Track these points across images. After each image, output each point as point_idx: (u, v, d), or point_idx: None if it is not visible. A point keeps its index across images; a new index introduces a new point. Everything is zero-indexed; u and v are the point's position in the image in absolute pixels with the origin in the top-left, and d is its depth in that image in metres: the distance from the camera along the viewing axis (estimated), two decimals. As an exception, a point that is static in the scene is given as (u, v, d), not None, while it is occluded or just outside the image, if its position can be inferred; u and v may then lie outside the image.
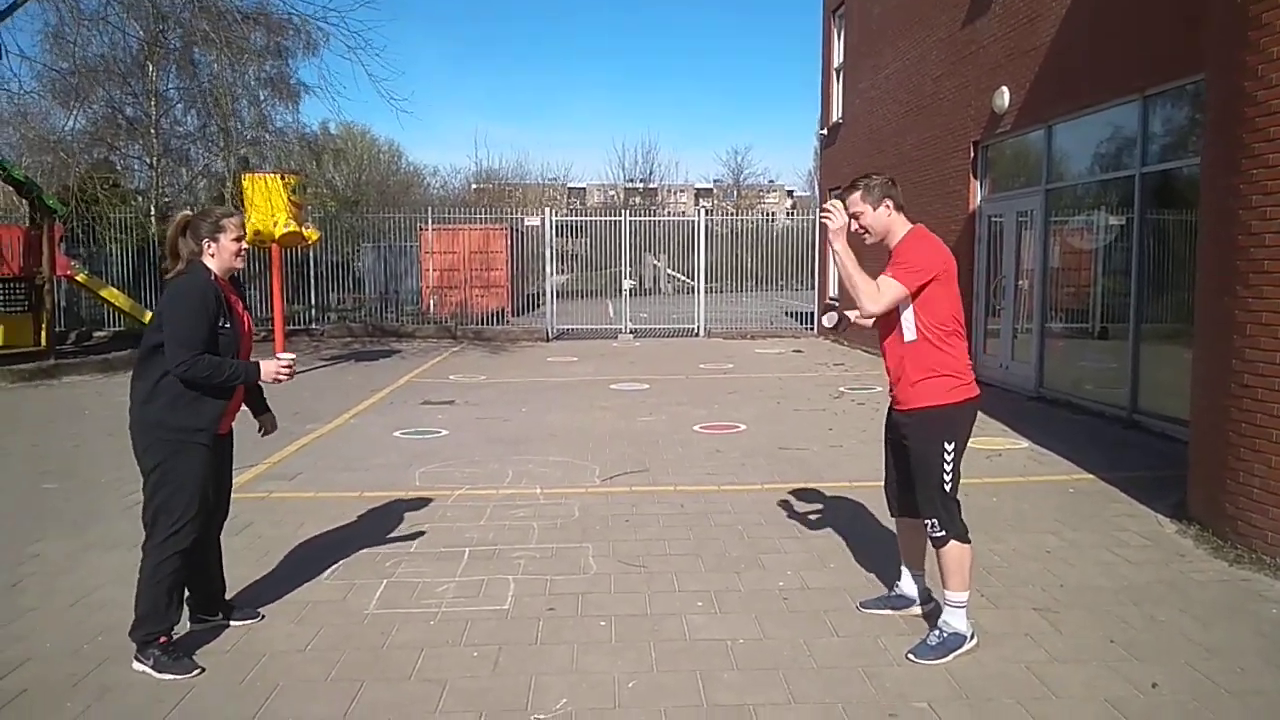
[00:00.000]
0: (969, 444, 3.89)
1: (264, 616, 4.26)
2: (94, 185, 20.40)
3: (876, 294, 3.70)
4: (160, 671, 3.65)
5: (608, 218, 22.99)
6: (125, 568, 4.88)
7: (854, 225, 3.92)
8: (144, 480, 3.75)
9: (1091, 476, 6.88)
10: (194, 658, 3.77)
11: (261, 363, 3.82)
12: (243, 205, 13.35)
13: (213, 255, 3.78)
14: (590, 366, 14.74)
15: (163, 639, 3.72)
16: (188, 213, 3.85)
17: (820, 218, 3.76)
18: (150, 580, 3.70)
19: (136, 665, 3.69)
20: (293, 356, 3.96)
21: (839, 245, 3.77)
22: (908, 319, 3.78)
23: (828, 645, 3.94)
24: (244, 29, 14.84)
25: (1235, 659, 3.77)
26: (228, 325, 3.74)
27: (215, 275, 3.78)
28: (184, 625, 3.97)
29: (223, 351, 3.73)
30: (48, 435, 8.80)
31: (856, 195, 3.89)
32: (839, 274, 3.78)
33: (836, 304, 4.46)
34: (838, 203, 3.82)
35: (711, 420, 9.46)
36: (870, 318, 3.87)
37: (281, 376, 3.86)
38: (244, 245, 3.88)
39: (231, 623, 4.15)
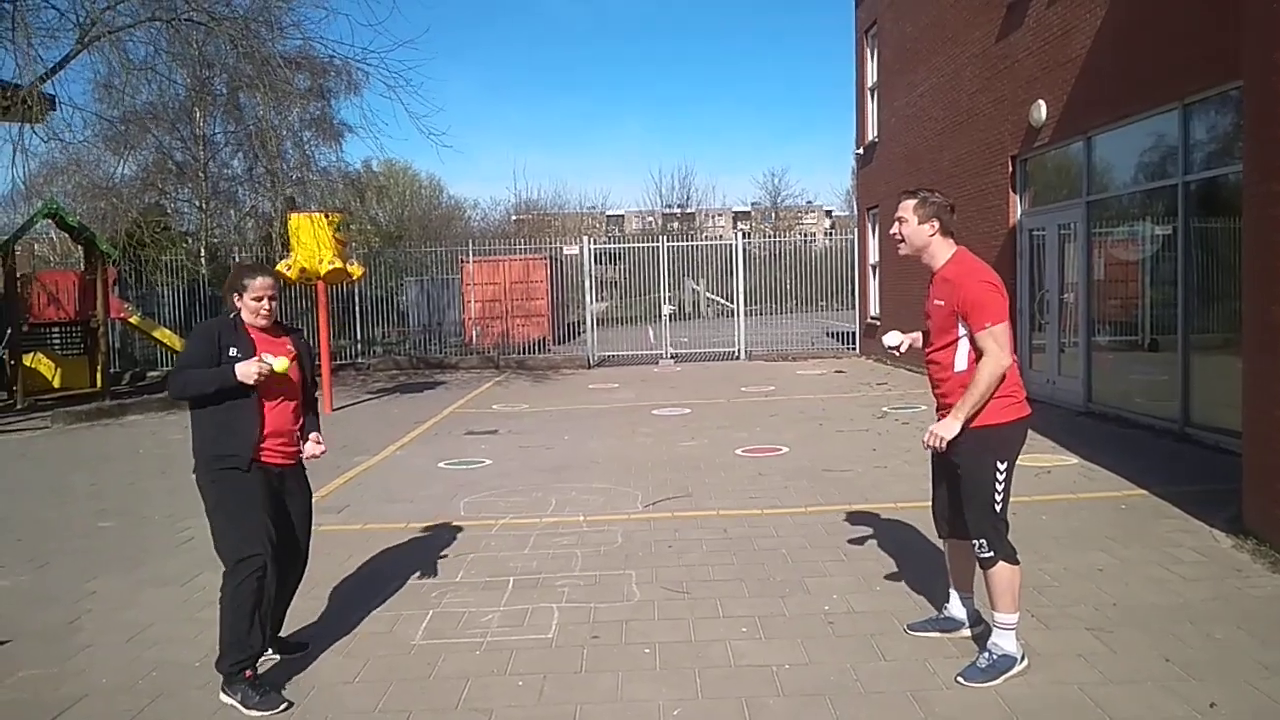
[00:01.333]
0: (1018, 462, 3.84)
1: (309, 646, 4.32)
2: (145, 229, 20.95)
3: (1001, 357, 3.63)
4: (248, 707, 3.70)
5: (646, 244, 23.11)
6: (178, 603, 5.01)
7: (894, 228, 3.97)
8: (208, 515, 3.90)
9: (1143, 492, 6.74)
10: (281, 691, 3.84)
11: (236, 365, 3.82)
12: (289, 244, 13.64)
13: (239, 302, 3.99)
14: (631, 392, 14.77)
15: (248, 673, 3.77)
16: (242, 263, 4.07)
17: (928, 442, 3.76)
18: (229, 609, 3.78)
19: (224, 698, 3.76)
20: (283, 366, 3.92)
21: (957, 425, 3.68)
22: (963, 351, 3.76)
23: (875, 670, 3.90)
24: (287, 72, 15.19)
25: (1298, 677, 3.66)
26: (237, 355, 3.85)
27: (244, 322, 3.96)
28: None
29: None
30: (104, 474, 9.01)
31: (910, 203, 3.90)
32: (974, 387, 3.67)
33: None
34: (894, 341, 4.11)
35: (753, 443, 9.43)
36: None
37: (250, 377, 3.79)
38: (266, 304, 3.98)
39: (279, 656, 4.22)
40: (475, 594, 5.03)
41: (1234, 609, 4.42)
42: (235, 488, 3.82)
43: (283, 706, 3.73)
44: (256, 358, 3.84)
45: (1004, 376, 3.65)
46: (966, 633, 4.16)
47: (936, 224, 3.85)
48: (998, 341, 3.63)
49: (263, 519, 3.85)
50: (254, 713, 3.69)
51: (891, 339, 4.26)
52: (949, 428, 3.67)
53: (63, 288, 15.47)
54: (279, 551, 3.93)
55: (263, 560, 3.81)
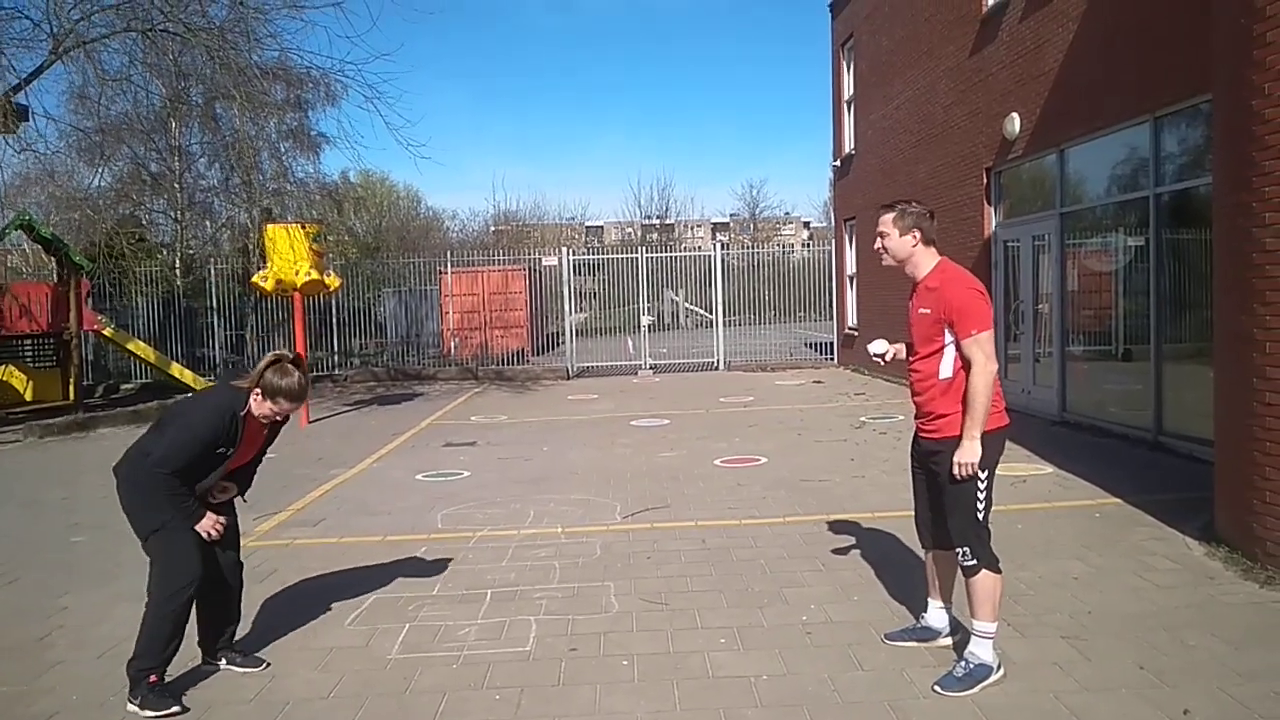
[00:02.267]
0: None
1: (266, 664, 4.28)
2: (120, 240, 20.76)
3: (990, 366, 3.66)
4: (147, 709, 3.74)
5: (625, 255, 23.13)
6: (151, 618, 4.94)
7: (876, 243, 3.99)
8: (141, 535, 3.92)
9: (1117, 500, 6.81)
10: (183, 699, 3.87)
11: (207, 515, 3.92)
12: (266, 255, 13.56)
13: (256, 400, 3.90)
14: (610, 403, 14.76)
15: (152, 678, 3.80)
16: (285, 355, 3.95)
17: (960, 474, 3.74)
18: (148, 620, 3.83)
19: (130, 706, 3.78)
20: (221, 522, 4.00)
21: (974, 450, 3.68)
22: (949, 359, 3.78)
23: (853, 680, 3.90)
24: (264, 83, 15.14)
25: (1270, 683, 3.69)
26: (227, 452, 3.88)
27: (248, 411, 3.90)
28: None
29: (206, 471, 3.88)
30: (76, 488, 8.89)
31: (889, 216, 3.93)
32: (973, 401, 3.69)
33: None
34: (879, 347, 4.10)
35: (732, 454, 9.44)
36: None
37: (211, 534, 3.93)
38: (279, 417, 3.98)
39: (223, 666, 4.20)
40: (452, 607, 5.00)
41: (1207, 616, 4.46)
42: (172, 532, 3.85)
43: (174, 709, 3.76)
44: (215, 521, 3.92)
45: (989, 385, 3.67)
46: (944, 642, 4.18)
47: (918, 234, 3.88)
48: (984, 349, 3.66)
49: (199, 550, 3.91)
50: (147, 712, 3.73)
51: (878, 346, 4.26)
52: (969, 451, 3.66)
53: (35, 299, 15.27)
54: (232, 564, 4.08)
55: (193, 586, 3.88)
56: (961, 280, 3.81)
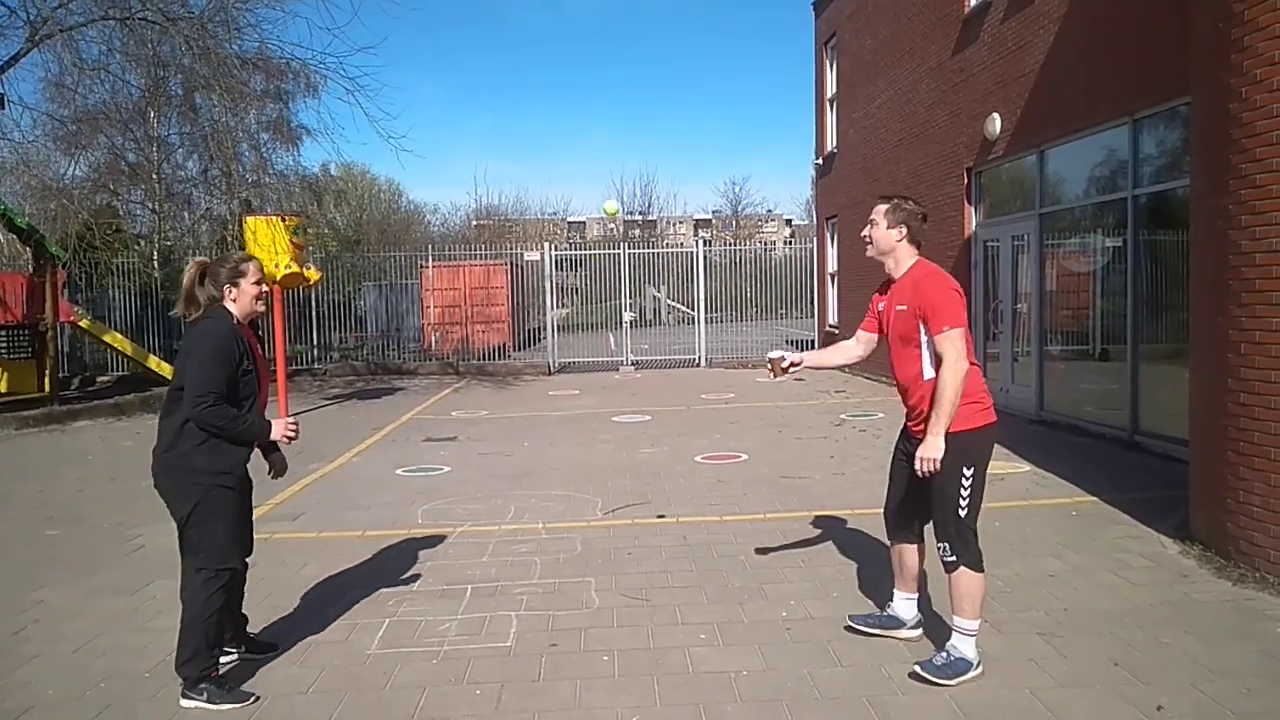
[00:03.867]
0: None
1: (279, 648, 4.30)
2: (96, 231, 20.56)
3: (961, 361, 3.66)
4: (216, 703, 3.70)
5: (607, 251, 23.12)
6: (128, 613, 4.92)
7: (865, 231, 4.03)
8: (179, 524, 3.81)
9: (1094, 499, 6.88)
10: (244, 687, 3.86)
11: (273, 421, 3.90)
12: (245, 247, 13.46)
13: (234, 300, 3.86)
14: (592, 399, 14.76)
15: (213, 673, 3.77)
16: (204, 259, 3.93)
17: (923, 470, 3.74)
18: (200, 616, 3.74)
19: (187, 702, 3.72)
20: (295, 422, 4.04)
21: (940, 442, 3.69)
22: (928, 358, 3.81)
23: (831, 675, 3.93)
24: (244, 74, 15.01)
25: (1241, 680, 3.75)
26: (251, 368, 3.82)
27: (237, 320, 3.86)
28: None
29: (244, 395, 3.81)
30: (52, 481, 8.81)
31: (883, 207, 3.98)
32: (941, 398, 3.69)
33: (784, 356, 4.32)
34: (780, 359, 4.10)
35: (713, 450, 9.46)
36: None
37: (289, 435, 3.94)
38: (264, 289, 3.95)
39: (250, 655, 4.18)
40: (433, 602, 4.99)
41: (1181, 613, 4.52)
42: (221, 500, 3.77)
43: (251, 700, 3.75)
44: (288, 419, 3.93)
45: (965, 379, 3.70)
46: (909, 634, 4.22)
47: (904, 230, 3.92)
48: (955, 346, 3.67)
49: (246, 531, 3.88)
50: (223, 706, 3.68)
51: (775, 353, 4.28)
52: (933, 447, 3.68)
53: (10, 290, 15.08)
54: (247, 545, 4.01)
55: (235, 571, 3.85)
56: (938, 278, 3.84)
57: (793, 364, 4.25)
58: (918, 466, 3.73)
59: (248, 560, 4.11)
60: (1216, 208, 5.28)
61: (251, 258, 3.97)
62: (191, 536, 3.78)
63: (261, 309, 3.99)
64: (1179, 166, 8.32)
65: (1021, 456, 8.49)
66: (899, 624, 4.26)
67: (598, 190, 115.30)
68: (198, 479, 3.73)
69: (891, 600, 4.32)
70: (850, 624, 4.32)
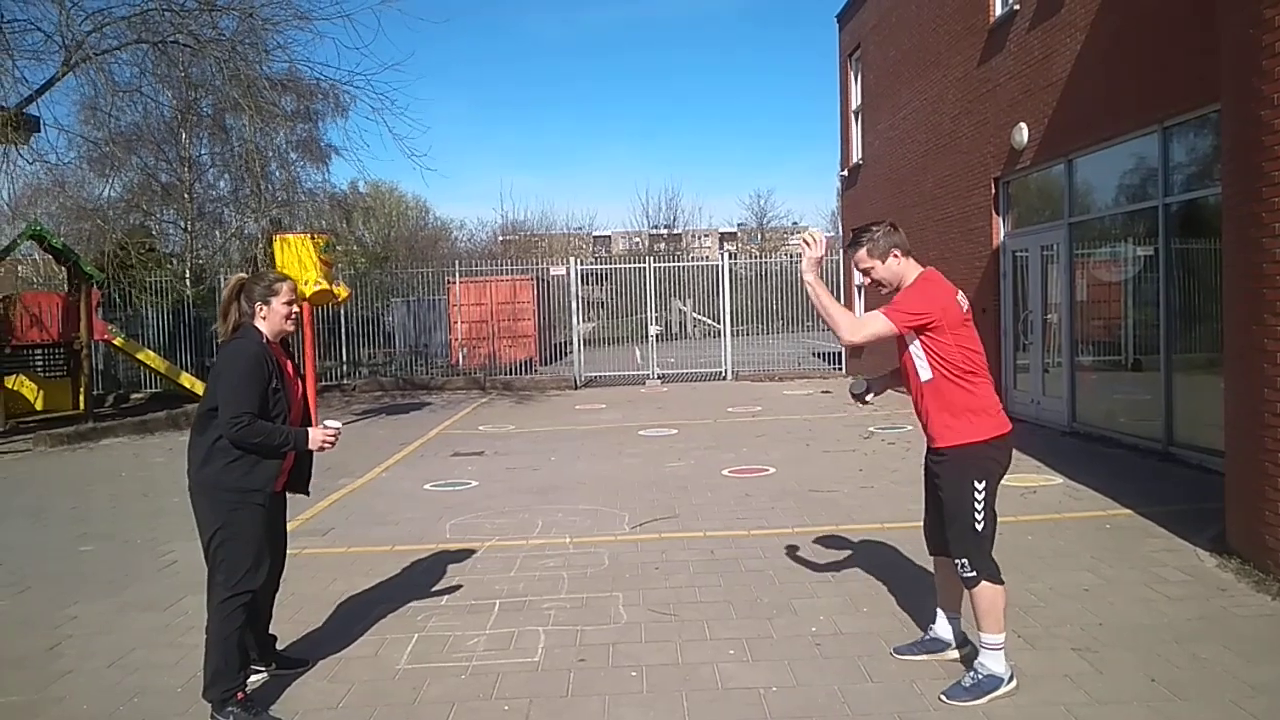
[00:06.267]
0: (1003, 481, 3.85)
1: (310, 663, 4.32)
2: (130, 250, 20.85)
3: (856, 325, 3.73)
4: None
5: (633, 265, 23.16)
6: (161, 628, 4.96)
7: (866, 280, 3.97)
8: (205, 541, 3.83)
9: (1128, 511, 6.77)
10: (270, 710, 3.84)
11: (310, 431, 3.91)
12: (275, 265, 13.61)
13: (264, 318, 3.89)
14: (618, 413, 14.76)
15: (239, 694, 3.76)
16: (243, 276, 3.96)
17: (800, 243, 3.75)
18: (219, 637, 3.75)
19: None
20: (339, 425, 4.01)
21: (810, 277, 3.78)
22: (918, 357, 3.78)
23: (862, 691, 3.89)
24: (273, 95, 15.22)
25: (1283, 696, 3.67)
26: (280, 387, 3.83)
27: (266, 338, 3.88)
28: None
29: (275, 413, 3.82)
30: (85, 498, 8.93)
31: (862, 253, 3.90)
32: (815, 306, 3.76)
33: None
34: (817, 231, 3.76)
35: (740, 464, 9.43)
36: (849, 346, 3.82)
37: (327, 444, 3.93)
38: (295, 309, 3.98)
39: (281, 670, 4.20)
40: (461, 617, 4.99)
41: (1219, 628, 4.43)
42: (248, 518, 3.79)
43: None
44: (320, 427, 3.90)
45: (837, 327, 3.75)
46: (952, 654, 4.16)
47: (896, 251, 3.87)
48: (869, 325, 3.72)
49: (264, 546, 3.88)
50: None
51: (857, 386, 4.26)
52: (806, 266, 3.76)
53: (46, 309, 15.35)
54: (270, 563, 3.98)
55: (253, 592, 3.84)
56: (919, 283, 3.82)
57: (871, 394, 4.23)
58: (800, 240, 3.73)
59: (278, 578, 4.14)
60: (1249, 215, 5.21)
61: (286, 278, 4.00)
62: (216, 555, 3.80)
63: (291, 328, 4.01)
64: (1211, 174, 8.22)
65: (1053, 469, 8.38)
66: (943, 646, 4.18)
67: (622, 204, 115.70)
68: (228, 496, 3.76)
69: (934, 623, 4.25)
70: (896, 654, 4.24)
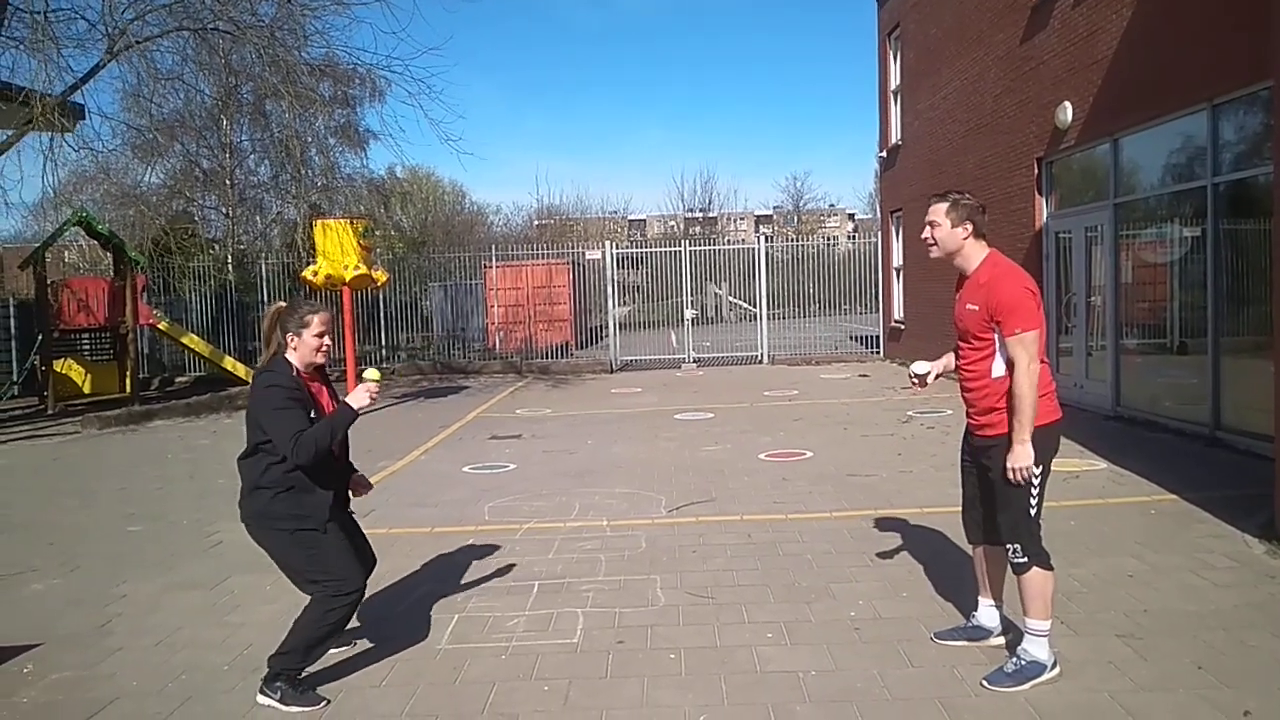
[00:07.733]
0: (1048, 467, 3.80)
1: (353, 643, 4.39)
2: (173, 236, 21.20)
3: (1028, 362, 3.58)
4: (288, 704, 3.76)
5: (668, 248, 23.10)
6: (207, 608, 5.06)
7: (925, 232, 3.90)
8: (283, 567, 3.89)
9: (1173, 497, 6.66)
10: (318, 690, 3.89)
11: (348, 398, 3.83)
12: (315, 250, 13.77)
13: (294, 349, 3.82)
14: (654, 397, 14.77)
15: (296, 674, 3.83)
16: (281, 304, 3.91)
17: (1015, 477, 3.64)
18: (313, 622, 3.77)
19: (262, 699, 3.79)
20: (376, 375, 3.86)
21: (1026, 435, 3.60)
22: (1000, 359, 3.71)
23: (902, 676, 3.87)
24: (312, 80, 15.35)
25: (1334, 686, 3.60)
26: (313, 415, 3.77)
27: (297, 369, 3.82)
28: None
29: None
30: (133, 479, 9.11)
31: (942, 206, 3.84)
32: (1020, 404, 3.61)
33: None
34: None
35: (777, 448, 9.40)
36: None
37: (375, 397, 3.83)
38: (326, 341, 3.89)
39: (331, 650, 4.22)
40: (500, 598, 5.04)
41: (1267, 615, 4.35)
42: (316, 537, 3.79)
43: (321, 704, 3.78)
44: (362, 386, 3.80)
45: (1032, 374, 3.59)
46: (995, 641, 4.12)
47: (970, 227, 3.80)
48: (1028, 350, 3.57)
49: (352, 554, 3.91)
50: (292, 708, 3.74)
51: (920, 367, 4.19)
52: (1023, 455, 3.58)
53: (92, 294, 15.67)
54: (362, 555, 4.09)
55: (360, 592, 3.88)
56: (1012, 276, 3.72)
57: (934, 375, 4.18)
58: (1010, 475, 3.61)
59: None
60: (1303, 194, 5.07)
61: (319, 310, 3.87)
62: (307, 574, 3.83)
63: (321, 360, 3.92)
64: (1260, 153, 8.01)
65: (1097, 454, 8.26)
66: (985, 634, 4.14)
67: (658, 188, 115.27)
68: (281, 524, 3.76)
69: (975, 610, 4.21)
70: (937, 639, 4.21)
